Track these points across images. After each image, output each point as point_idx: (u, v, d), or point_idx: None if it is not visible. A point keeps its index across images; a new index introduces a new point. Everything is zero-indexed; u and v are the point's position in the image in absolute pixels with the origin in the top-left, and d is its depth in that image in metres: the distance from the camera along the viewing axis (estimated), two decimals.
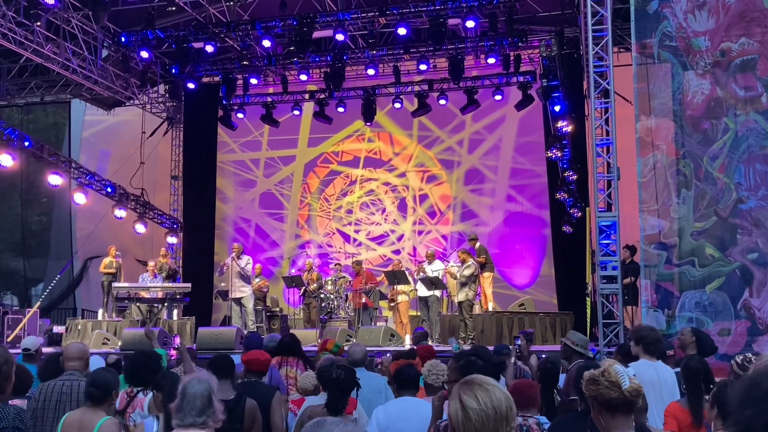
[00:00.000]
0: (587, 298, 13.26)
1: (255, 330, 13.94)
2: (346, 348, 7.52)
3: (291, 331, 15.16)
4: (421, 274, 14.14)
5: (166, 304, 15.06)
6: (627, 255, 12.79)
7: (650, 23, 10.68)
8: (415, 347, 8.57)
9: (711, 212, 10.33)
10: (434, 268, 14.15)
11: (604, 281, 10.82)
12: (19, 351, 7.50)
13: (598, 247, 10.93)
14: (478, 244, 15.12)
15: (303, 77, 17.93)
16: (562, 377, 6.21)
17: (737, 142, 10.35)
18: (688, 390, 4.79)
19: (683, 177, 10.45)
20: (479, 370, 3.49)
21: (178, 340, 6.59)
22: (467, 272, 13.67)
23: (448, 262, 14.72)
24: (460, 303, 13.58)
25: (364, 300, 14.79)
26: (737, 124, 10.39)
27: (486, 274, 14.86)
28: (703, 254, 10.25)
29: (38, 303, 17.65)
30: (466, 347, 12.14)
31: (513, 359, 6.50)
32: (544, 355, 8.85)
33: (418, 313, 14.51)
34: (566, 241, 16.39)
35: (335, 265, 16.94)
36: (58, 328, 15.24)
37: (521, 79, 17.25)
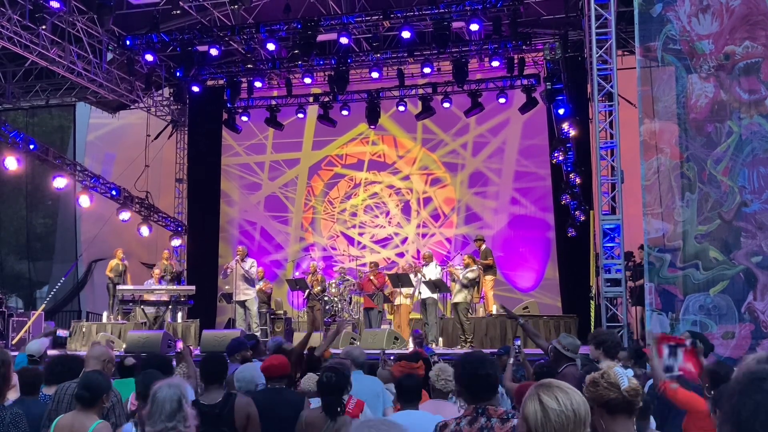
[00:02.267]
0: (591, 301, 13.25)
1: (258, 333, 13.95)
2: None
3: (295, 333, 15.23)
4: (420, 276, 14.15)
5: (170, 306, 15.09)
6: (643, 256, 12.73)
7: (654, 26, 10.68)
8: (418, 350, 8.59)
9: (715, 215, 10.31)
10: (433, 270, 14.15)
11: (608, 284, 10.82)
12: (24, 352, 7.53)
13: (602, 250, 10.93)
14: (483, 246, 15.13)
15: (307, 80, 17.94)
16: None
17: (741, 145, 10.34)
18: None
19: (687, 180, 10.44)
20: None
21: (180, 344, 6.58)
22: (470, 275, 13.68)
23: (454, 265, 14.71)
24: (456, 304, 13.58)
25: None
26: (741, 127, 10.38)
27: (488, 277, 14.87)
28: (707, 257, 10.24)
29: (43, 305, 17.70)
30: (467, 349, 12.16)
31: (512, 360, 6.50)
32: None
33: (421, 316, 14.52)
34: (570, 244, 16.39)
35: (340, 268, 16.96)
36: (62, 332, 15.16)
37: (525, 82, 17.26)
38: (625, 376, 2.75)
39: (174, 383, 3.72)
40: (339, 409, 4.78)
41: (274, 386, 5.49)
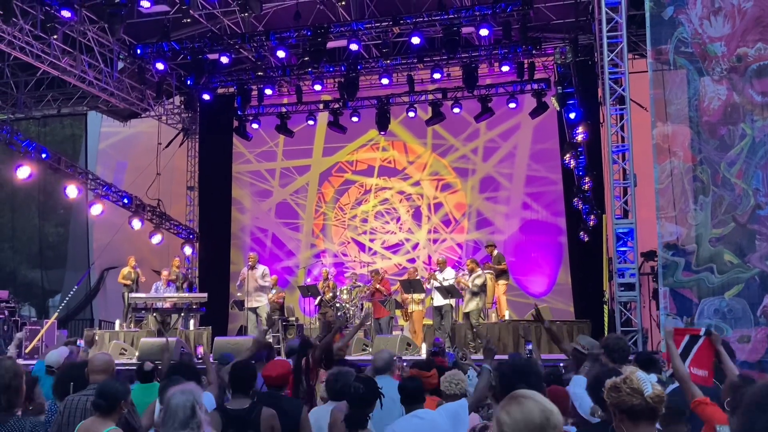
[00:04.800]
0: (605, 306, 13.19)
1: (270, 339, 13.93)
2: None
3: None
4: (433, 282, 14.09)
5: (182, 314, 15.11)
6: None
7: (665, 29, 10.65)
8: (432, 358, 8.55)
9: (729, 218, 10.26)
10: (446, 276, 14.11)
11: (622, 288, 10.76)
12: (34, 362, 7.54)
13: (615, 254, 10.87)
14: (495, 252, 15.09)
15: (317, 87, 17.98)
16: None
17: (755, 147, 10.29)
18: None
19: (700, 183, 10.39)
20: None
21: (201, 350, 6.55)
22: (479, 281, 13.64)
23: (462, 270, 14.67)
24: (469, 312, 13.54)
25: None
26: (754, 129, 10.33)
27: (501, 282, 14.81)
28: (722, 261, 10.18)
29: (56, 314, 17.73)
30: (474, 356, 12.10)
31: None
32: (561, 363, 8.80)
33: (432, 322, 14.47)
34: (583, 249, 16.30)
35: (351, 273, 16.94)
36: (82, 342, 15.08)
37: (535, 86, 17.22)
38: (648, 382, 2.71)
39: (187, 389, 3.69)
40: (362, 422, 4.57)
41: (274, 392, 5.42)
